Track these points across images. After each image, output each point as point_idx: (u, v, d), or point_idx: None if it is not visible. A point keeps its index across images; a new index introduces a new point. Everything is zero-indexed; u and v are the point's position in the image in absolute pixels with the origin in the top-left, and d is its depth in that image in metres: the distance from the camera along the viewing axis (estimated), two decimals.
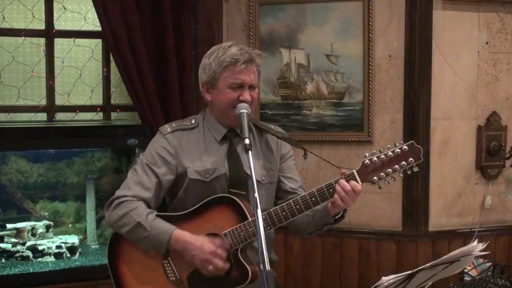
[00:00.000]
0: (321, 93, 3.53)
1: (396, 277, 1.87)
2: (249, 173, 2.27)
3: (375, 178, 2.18)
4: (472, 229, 3.49)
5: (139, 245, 2.30)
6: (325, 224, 2.34)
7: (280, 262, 3.41)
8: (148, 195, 2.32)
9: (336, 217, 2.30)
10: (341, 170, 2.24)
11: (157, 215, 2.31)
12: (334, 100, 3.51)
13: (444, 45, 3.43)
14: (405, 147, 2.18)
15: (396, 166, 2.17)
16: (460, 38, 3.46)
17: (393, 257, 3.48)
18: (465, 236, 3.47)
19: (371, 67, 3.43)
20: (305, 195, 2.22)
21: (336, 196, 2.18)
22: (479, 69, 3.50)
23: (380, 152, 2.19)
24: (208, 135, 2.41)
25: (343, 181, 2.19)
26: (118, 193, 2.35)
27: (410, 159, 2.17)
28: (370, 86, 3.44)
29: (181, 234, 2.25)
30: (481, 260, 3.32)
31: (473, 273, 3.24)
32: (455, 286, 2.90)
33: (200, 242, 2.22)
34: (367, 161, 2.19)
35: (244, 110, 2.26)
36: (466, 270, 3.20)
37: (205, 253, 2.21)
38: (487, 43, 3.50)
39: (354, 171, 2.20)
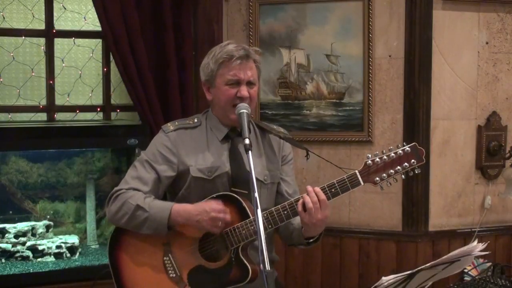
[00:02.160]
0: (321, 93, 3.53)
1: (396, 277, 1.87)
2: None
3: (377, 179, 2.19)
4: (472, 229, 3.49)
5: (141, 230, 2.30)
6: (299, 244, 2.38)
7: (280, 262, 3.40)
8: (145, 188, 2.33)
9: (310, 240, 2.31)
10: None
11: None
12: (334, 100, 3.51)
13: (444, 45, 3.43)
14: (407, 148, 2.19)
15: (398, 167, 2.18)
16: (460, 38, 3.46)
17: (393, 257, 3.48)
18: (465, 236, 3.47)
19: (371, 67, 3.43)
20: (305, 194, 2.23)
21: (299, 203, 2.18)
22: (479, 69, 3.50)
23: (383, 153, 2.20)
24: (210, 134, 2.41)
25: (310, 189, 2.19)
26: (115, 188, 2.36)
27: (412, 160, 2.18)
28: (370, 86, 3.44)
29: (181, 206, 2.27)
30: (481, 260, 3.33)
31: (473, 273, 3.24)
32: (455, 286, 2.90)
33: (200, 206, 2.24)
34: (369, 161, 2.19)
35: (244, 110, 2.26)
36: (466, 270, 3.21)
37: (209, 212, 2.21)
38: (487, 43, 3.50)
39: (356, 171, 2.21)
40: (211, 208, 2.22)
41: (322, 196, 2.17)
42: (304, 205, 2.17)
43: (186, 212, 2.25)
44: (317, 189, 2.19)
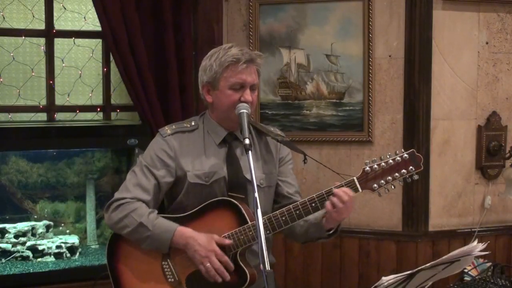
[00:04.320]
0: (321, 93, 3.53)
1: (396, 277, 1.87)
2: (248, 177, 2.29)
3: (375, 185, 2.19)
4: (472, 229, 3.49)
5: (141, 245, 2.30)
6: (318, 238, 2.36)
7: (280, 262, 3.41)
8: (147, 197, 2.32)
9: (330, 232, 2.31)
10: (335, 185, 2.23)
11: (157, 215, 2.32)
12: (334, 100, 3.51)
13: (444, 45, 3.43)
14: (405, 155, 2.19)
15: (396, 174, 2.19)
16: (460, 38, 3.46)
17: (393, 257, 3.48)
18: (465, 236, 3.47)
19: (371, 67, 3.43)
20: (304, 200, 2.23)
21: (328, 203, 2.19)
22: (479, 69, 3.50)
23: (381, 159, 2.20)
24: (208, 138, 2.40)
25: (337, 190, 2.19)
26: (117, 195, 2.34)
27: (411, 167, 2.18)
28: (370, 86, 3.44)
29: (185, 231, 2.26)
30: (481, 260, 3.32)
31: (473, 273, 3.24)
32: (455, 286, 2.90)
33: (203, 240, 2.23)
34: (368, 168, 2.20)
35: (244, 110, 2.25)
36: (466, 270, 3.20)
37: (207, 251, 2.21)
38: (487, 43, 3.50)
39: (355, 178, 2.21)
40: (212, 248, 2.21)
41: (351, 193, 2.19)
42: (333, 204, 2.18)
43: (188, 238, 2.24)
44: (345, 189, 2.20)
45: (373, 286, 1.87)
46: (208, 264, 2.21)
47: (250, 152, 2.08)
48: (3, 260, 3.36)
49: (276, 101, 3.58)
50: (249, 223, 2.23)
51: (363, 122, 3.48)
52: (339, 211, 2.18)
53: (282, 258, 3.51)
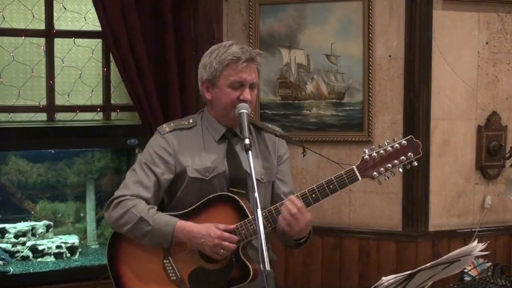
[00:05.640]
0: (321, 93, 3.53)
1: (396, 277, 1.87)
2: (249, 172, 2.28)
3: (375, 173, 2.20)
4: (472, 229, 3.49)
5: (141, 241, 2.30)
6: (291, 246, 2.38)
7: (280, 262, 3.40)
8: (148, 194, 2.32)
9: (301, 241, 2.33)
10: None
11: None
12: (334, 100, 3.51)
13: (444, 45, 3.43)
14: (404, 142, 2.21)
15: (396, 161, 2.20)
16: (460, 38, 3.46)
17: (393, 257, 3.48)
18: (465, 236, 3.47)
19: (371, 67, 3.43)
20: (305, 191, 2.24)
21: (280, 217, 2.19)
22: (479, 69, 3.50)
23: (379, 147, 2.21)
24: (206, 134, 2.41)
25: (286, 201, 2.20)
26: (117, 193, 2.35)
27: (409, 153, 2.19)
28: (370, 86, 3.44)
29: (185, 224, 2.26)
30: (481, 260, 3.32)
31: (473, 273, 3.24)
32: (455, 286, 2.90)
33: (206, 229, 2.23)
34: (367, 156, 2.21)
35: (244, 110, 2.25)
36: (466, 270, 3.20)
37: (213, 238, 2.21)
38: (487, 43, 3.50)
39: (354, 167, 2.22)
40: (216, 234, 2.21)
41: (299, 203, 2.18)
42: (283, 217, 2.18)
43: (190, 233, 2.25)
44: (293, 197, 2.19)
45: (373, 286, 1.88)
46: (222, 251, 2.21)
47: (250, 152, 2.08)
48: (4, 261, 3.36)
49: (276, 101, 3.59)
50: (250, 217, 2.23)
51: (363, 122, 3.48)
52: (290, 224, 2.18)
53: (282, 258, 3.51)
